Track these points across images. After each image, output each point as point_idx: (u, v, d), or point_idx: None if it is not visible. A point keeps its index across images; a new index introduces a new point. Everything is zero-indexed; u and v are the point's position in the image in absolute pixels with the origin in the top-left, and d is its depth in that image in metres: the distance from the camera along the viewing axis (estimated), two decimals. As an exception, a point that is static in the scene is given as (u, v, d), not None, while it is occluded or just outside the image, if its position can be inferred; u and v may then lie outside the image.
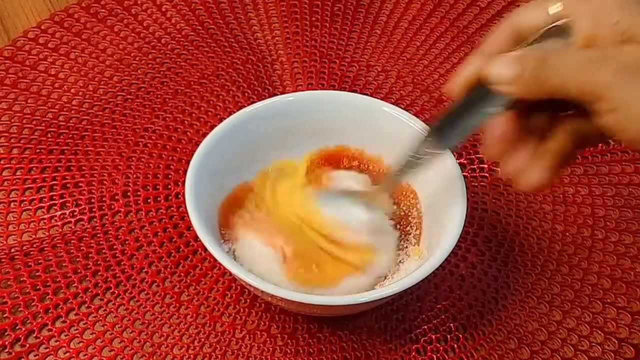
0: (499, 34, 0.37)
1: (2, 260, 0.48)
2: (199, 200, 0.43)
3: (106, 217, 0.51)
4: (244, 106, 0.49)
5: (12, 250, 0.49)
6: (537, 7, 0.36)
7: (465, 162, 0.55)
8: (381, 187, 0.45)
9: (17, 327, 0.45)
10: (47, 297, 0.47)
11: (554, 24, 0.35)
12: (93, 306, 0.47)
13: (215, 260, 0.40)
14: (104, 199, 0.52)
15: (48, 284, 0.47)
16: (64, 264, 0.48)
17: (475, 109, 0.37)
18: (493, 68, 0.34)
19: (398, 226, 0.47)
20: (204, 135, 0.46)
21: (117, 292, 0.47)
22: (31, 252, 0.49)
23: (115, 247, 0.49)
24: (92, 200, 0.52)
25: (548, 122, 0.36)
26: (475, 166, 0.55)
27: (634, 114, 0.31)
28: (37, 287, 0.47)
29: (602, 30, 0.33)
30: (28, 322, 0.46)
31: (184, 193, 0.43)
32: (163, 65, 0.61)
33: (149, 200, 0.52)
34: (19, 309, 0.46)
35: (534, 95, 0.34)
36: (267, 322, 0.46)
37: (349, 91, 0.57)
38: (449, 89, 0.37)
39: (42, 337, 0.45)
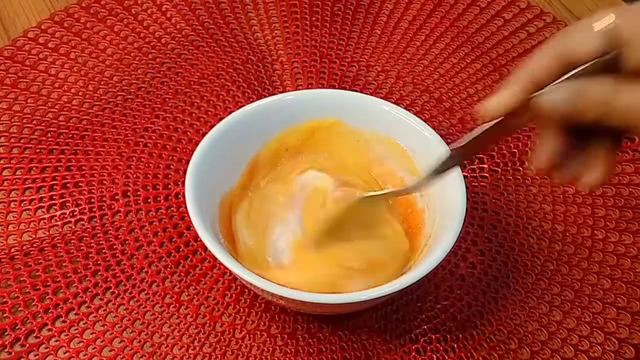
0: (544, 58, 0.35)
1: (2, 260, 0.48)
2: (199, 200, 0.43)
3: (106, 217, 0.51)
4: (244, 106, 0.49)
5: (12, 250, 0.49)
6: (587, 29, 0.33)
7: (465, 162, 0.55)
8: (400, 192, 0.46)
9: (17, 327, 0.45)
10: (47, 297, 0.47)
11: (607, 56, 0.33)
12: (93, 306, 0.47)
13: (215, 260, 0.40)
14: (104, 199, 0.52)
15: (48, 284, 0.47)
16: (64, 264, 0.48)
17: (506, 130, 0.37)
18: (551, 99, 0.34)
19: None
20: (204, 135, 0.46)
21: (117, 292, 0.47)
22: (31, 252, 0.49)
23: (115, 247, 0.49)
24: (92, 200, 0.52)
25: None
26: (475, 166, 0.55)
27: None
28: (37, 287, 0.47)
29: None
30: (28, 322, 0.46)
31: (184, 193, 0.43)
32: (163, 65, 0.61)
33: (149, 200, 0.52)
34: (19, 309, 0.46)
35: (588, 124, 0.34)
36: (267, 322, 0.46)
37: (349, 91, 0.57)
38: (483, 112, 0.37)
39: (42, 337, 0.45)
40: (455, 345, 0.45)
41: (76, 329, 0.46)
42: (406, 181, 0.49)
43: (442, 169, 0.40)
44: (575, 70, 0.34)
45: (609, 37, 0.32)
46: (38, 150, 0.55)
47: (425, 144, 0.46)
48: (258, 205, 0.47)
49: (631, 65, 0.32)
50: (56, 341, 0.45)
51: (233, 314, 0.47)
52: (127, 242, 0.50)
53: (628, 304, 0.47)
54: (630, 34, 0.32)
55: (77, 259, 0.49)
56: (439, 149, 0.45)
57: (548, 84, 0.34)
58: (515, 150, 0.55)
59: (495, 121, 0.37)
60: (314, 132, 0.49)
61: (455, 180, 0.44)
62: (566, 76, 0.34)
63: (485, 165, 0.55)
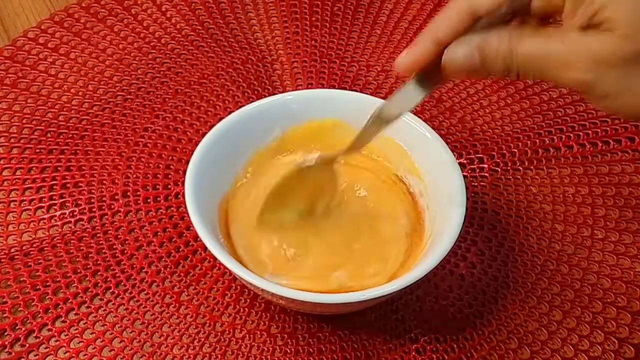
0: (450, 12, 0.35)
1: (2, 260, 0.48)
2: (198, 200, 0.43)
3: (106, 217, 0.51)
4: (244, 106, 0.49)
5: (12, 250, 0.49)
6: None
7: (465, 162, 0.55)
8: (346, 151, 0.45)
9: (17, 327, 0.45)
10: (47, 297, 0.47)
11: (512, 3, 0.33)
12: (93, 306, 0.47)
13: (215, 260, 0.40)
14: (104, 199, 0.52)
15: (48, 284, 0.47)
16: (64, 264, 0.48)
17: (426, 86, 0.38)
18: (453, 56, 0.34)
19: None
20: (204, 135, 0.46)
21: (117, 292, 0.47)
22: (31, 252, 0.49)
23: (115, 247, 0.49)
24: (92, 200, 0.52)
25: None
26: (475, 166, 0.55)
27: (624, 102, 0.31)
28: (37, 287, 0.47)
29: (567, 7, 0.32)
30: (28, 322, 0.46)
31: (184, 193, 0.43)
32: (163, 65, 0.61)
33: (149, 200, 0.52)
34: (19, 309, 0.46)
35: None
36: (267, 322, 0.46)
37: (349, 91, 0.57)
38: (396, 67, 0.37)
39: (42, 337, 0.45)
40: (455, 345, 0.45)
41: (76, 329, 0.46)
42: (408, 180, 0.49)
43: (376, 124, 0.41)
44: (480, 23, 0.34)
45: None
46: (38, 150, 0.55)
47: (425, 144, 0.46)
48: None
49: (536, 11, 0.33)
50: (56, 341, 0.45)
51: (233, 314, 0.47)
52: (127, 242, 0.50)
53: (628, 304, 0.47)
54: None
55: (77, 259, 0.49)
56: (439, 149, 0.45)
57: (454, 39, 0.35)
58: (515, 150, 0.55)
59: (415, 78, 0.37)
60: (314, 132, 0.49)
61: (455, 180, 0.44)
62: (476, 27, 0.34)
63: (485, 165, 0.55)
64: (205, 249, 0.49)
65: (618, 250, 0.50)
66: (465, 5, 0.34)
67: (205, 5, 0.65)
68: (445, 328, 0.46)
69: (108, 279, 0.48)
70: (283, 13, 0.65)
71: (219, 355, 0.45)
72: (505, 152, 0.55)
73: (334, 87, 0.60)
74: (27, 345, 0.45)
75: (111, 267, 0.48)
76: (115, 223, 0.51)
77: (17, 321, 0.46)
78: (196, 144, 0.45)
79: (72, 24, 0.63)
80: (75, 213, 0.51)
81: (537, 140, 0.56)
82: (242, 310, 0.47)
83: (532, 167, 0.55)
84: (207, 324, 0.46)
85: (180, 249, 0.50)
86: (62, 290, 0.47)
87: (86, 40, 0.62)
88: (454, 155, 0.45)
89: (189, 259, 0.49)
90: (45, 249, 0.49)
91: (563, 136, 0.56)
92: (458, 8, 0.35)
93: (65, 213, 0.51)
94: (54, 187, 0.53)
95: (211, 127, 0.47)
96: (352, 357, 0.45)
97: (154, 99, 0.58)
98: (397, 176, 0.49)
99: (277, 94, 0.54)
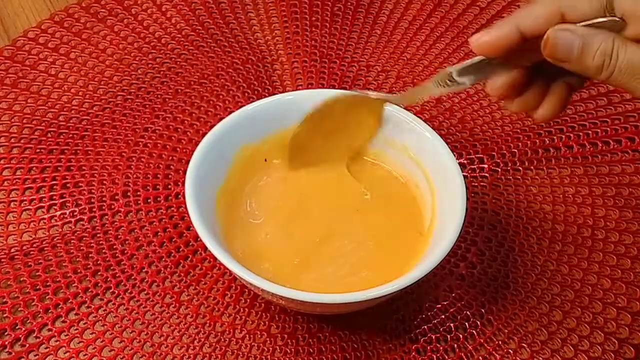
0: (540, 10, 0.36)
1: (2, 260, 0.48)
2: (199, 200, 0.43)
3: (106, 217, 0.51)
4: (244, 106, 0.49)
5: (12, 250, 0.49)
6: None
7: (465, 162, 0.55)
8: (398, 98, 0.46)
9: (17, 327, 0.45)
10: (47, 297, 0.47)
11: (609, 19, 0.34)
12: (93, 306, 0.47)
13: (215, 260, 0.40)
14: (104, 199, 0.52)
15: (48, 284, 0.47)
16: (64, 264, 0.48)
17: (508, 63, 0.38)
18: (557, 35, 0.34)
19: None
20: (204, 135, 0.46)
21: (117, 292, 0.47)
22: (31, 252, 0.49)
23: (115, 247, 0.50)
24: (92, 200, 0.52)
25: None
26: (475, 166, 0.55)
27: None
28: (37, 287, 0.47)
29: None
30: (28, 322, 0.46)
31: (184, 193, 0.43)
32: (163, 65, 0.61)
33: (149, 200, 0.52)
34: (19, 309, 0.46)
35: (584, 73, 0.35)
36: (267, 322, 0.46)
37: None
38: (474, 44, 0.37)
39: (42, 337, 0.45)
40: (455, 345, 0.45)
41: (76, 329, 0.46)
42: (408, 179, 0.49)
43: (442, 82, 0.42)
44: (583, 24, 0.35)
45: (605, 6, 0.34)
46: (38, 150, 0.55)
47: (425, 144, 0.46)
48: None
49: (631, 35, 0.34)
50: (56, 341, 0.45)
51: (233, 314, 0.47)
52: (127, 242, 0.50)
53: (628, 304, 0.47)
54: (629, 10, 0.34)
55: (77, 259, 0.49)
56: (439, 149, 0.45)
57: (536, 35, 0.35)
58: (515, 150, 0.55)
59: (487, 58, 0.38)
60: None
61: (455, 180, 0.44)
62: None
63: (485, 165, 0.55)
64: (205, 248, 0.49)
65: (618, 250, 0.50)
66: (555, 7, 0.35)
67: (205, 5, 0.65)
68: (445, 328, 0.46)
69: (108, 279, 0.48)
70: (283, 13, 0.65)
71: (219, 356, 0.45)
72: (505, 152, 0.55)
73: (334, 87, 0.60)
74: (27, 345, 0.45)
75: (111, 267, 0.48)
76: (116, 223, 0.51)
77: (17, 321, 0.46)
78: (196, 144, 0.45)
79: (72, 24, 0.63)
80: (75, 213, 0.51)
81: (537, 140, 0.56)
82: (242, 311, 0.47)
83: (532, 167, 0.55)
84: (207, 324, 0.46)
85: (181, 249, 0.50)
86: (62, 290, 0.47)
87: (86, 40, 0.62)
88: (454, 155, 0.45)
89: (189, 259, 0.49)
90: (46, 249, 0.49)
91: (563, 136, 0.56)
92: (548, 8, 0.35)
93: (65, 213, 0.51)
94: (54, 187, 0.53)
95: (211, 127, 0.47)
96: (352, 357, 0.45)
97: (154, 99, 0.58)
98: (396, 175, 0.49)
99: (277, 94, 0.54)
